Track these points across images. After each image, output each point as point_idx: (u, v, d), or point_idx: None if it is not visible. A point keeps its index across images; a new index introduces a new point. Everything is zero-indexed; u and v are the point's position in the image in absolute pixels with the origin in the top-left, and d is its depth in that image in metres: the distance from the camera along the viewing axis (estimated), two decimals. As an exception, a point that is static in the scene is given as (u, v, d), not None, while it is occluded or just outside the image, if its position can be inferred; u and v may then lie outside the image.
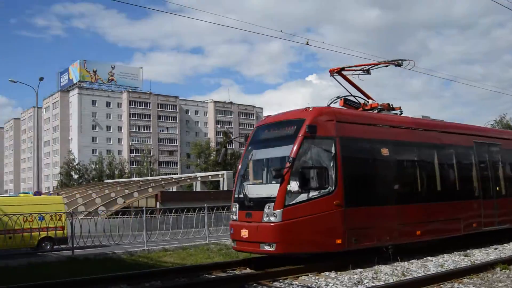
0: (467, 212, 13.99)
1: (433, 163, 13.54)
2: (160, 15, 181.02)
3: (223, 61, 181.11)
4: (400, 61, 14.39)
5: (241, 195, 11.52)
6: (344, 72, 14.13)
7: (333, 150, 11.05)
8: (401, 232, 12.08)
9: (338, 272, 10.33)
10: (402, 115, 14.21)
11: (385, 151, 12.17)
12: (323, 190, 10.75)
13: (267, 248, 10.48)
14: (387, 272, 10.32)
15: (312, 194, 10.69)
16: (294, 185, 10.62)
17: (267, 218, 10.52)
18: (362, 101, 14.10)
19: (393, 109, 14.29)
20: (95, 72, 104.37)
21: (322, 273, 10.32)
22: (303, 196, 10.63)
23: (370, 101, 14.07)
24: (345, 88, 14.24)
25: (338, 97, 13.77)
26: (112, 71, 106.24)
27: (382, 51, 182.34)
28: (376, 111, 13.88)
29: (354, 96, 14.21)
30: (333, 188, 10.86)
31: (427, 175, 13.39)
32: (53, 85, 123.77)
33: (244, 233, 11.00)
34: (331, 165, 11.00)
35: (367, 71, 14.45)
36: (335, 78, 14.10)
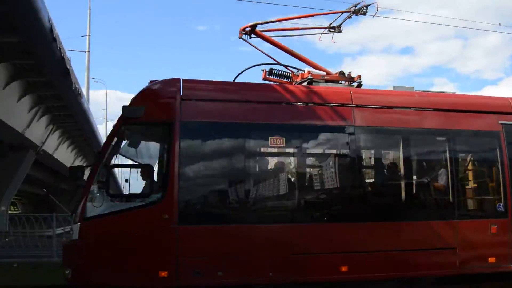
0: (470, 238, 8.43)
1: (387, 160, 8.74)
2: (368, 18, 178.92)
3: (435, 59, 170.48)
4: (362, 7, 9.72)
5: None
6: (268, 33, 9.46)
7: (167, 142, 7.56)
8: (301, 266, 7.74)
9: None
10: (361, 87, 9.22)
11: (276, 142, 7.99)
12: (145, 199, 7.49)
13: (66, 273, 7.50)
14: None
15: (127, 203, 7.60)
16: (100, 191, 7.54)
17: (72, 234, 7.62)
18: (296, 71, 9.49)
19: (352, 79, 9.21)
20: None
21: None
22: (112, 206, 7.52)
23: (307, 69, 9.18)
24: (267, 55, 9.79)
25: (256, 66, 9.37)
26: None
27: None
28: (306, 83, 9.03)
29: (286, 66, 9.60)
30: (160, 196, 7.38)
31: (372, 177, 8.60)
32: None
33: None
34: (162, 163, 7.65)
35: (338, 28, 10.04)
36: (247, 42, 9.41)
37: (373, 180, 8.72)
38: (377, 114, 8.57)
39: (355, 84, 9.29)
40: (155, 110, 7.70)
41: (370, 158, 8.80)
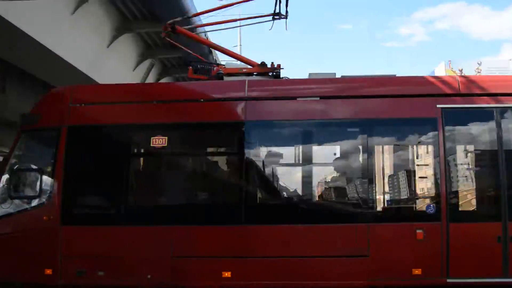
0: (387, 245, 7.28)
1: (285, 157, 7.89)
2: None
3: None
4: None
5: None
6: (203, 28, 9.87)
7: (54, 146, 7.91)
8: (180, 270, 7.47)
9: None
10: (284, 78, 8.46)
11: (159, 142, 7.73)
12: (33, 201, 7.95)
13: None
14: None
15: (19, 205, 8.04)
16: (1, 194, 8.16)
17: None
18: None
19: (275, 69, 8.53)
20: (461, 71, 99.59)
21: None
22: (9, 208, 8.04)
23: (225, 63, 8.98)
24: (191, 52, 10.08)
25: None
26: (479, 67, 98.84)
27: None
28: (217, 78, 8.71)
29: (211, 63, 9.44)
30: (45, 198, 7.83)
31: (270, 176, 7.81)
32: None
33: None
34: (49, 167, 7.97)
35: (284, 15, 9.38)
36: (171, 41, 9.48)
37: (265, 179, 7.94)
38: (274, 106, 7.82)
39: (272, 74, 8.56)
40: (47, 117, 8.15)
41: (266, 155, 7.98)
